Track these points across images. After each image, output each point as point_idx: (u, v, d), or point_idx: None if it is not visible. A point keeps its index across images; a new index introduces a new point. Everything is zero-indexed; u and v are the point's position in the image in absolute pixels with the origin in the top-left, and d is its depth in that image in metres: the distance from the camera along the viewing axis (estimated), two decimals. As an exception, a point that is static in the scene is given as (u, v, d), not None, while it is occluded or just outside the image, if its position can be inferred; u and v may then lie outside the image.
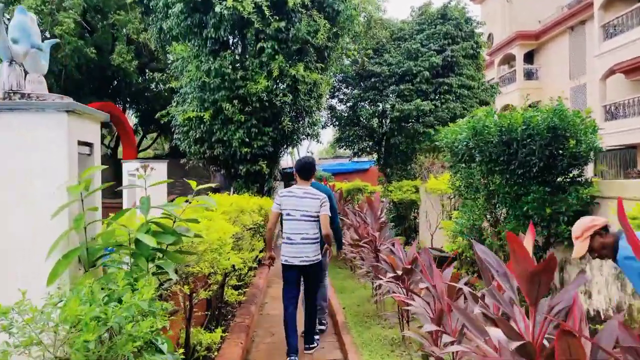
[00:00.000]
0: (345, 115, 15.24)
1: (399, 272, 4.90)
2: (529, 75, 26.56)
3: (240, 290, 5.54)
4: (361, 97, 14.35)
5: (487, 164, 5.48)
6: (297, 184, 5.09)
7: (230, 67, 8.42)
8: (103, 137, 20.67)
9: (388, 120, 14.63)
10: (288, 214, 4.90)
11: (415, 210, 13.68)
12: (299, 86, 8.81)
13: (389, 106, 13.92)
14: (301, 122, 9.65)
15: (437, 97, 13.85)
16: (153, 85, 16.22)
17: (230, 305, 5.65)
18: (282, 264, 4.95)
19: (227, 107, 8.63)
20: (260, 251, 6.88)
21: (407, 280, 4.86)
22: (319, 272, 5.22)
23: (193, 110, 8.87)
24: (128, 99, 19.47)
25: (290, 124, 9.15)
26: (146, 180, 2.98)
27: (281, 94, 8.72)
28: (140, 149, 24.79)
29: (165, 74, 9.19)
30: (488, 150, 5.33)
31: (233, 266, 4.65)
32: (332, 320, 7.10)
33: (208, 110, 8.74)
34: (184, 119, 8.96)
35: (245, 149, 8.93)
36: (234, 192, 9.67)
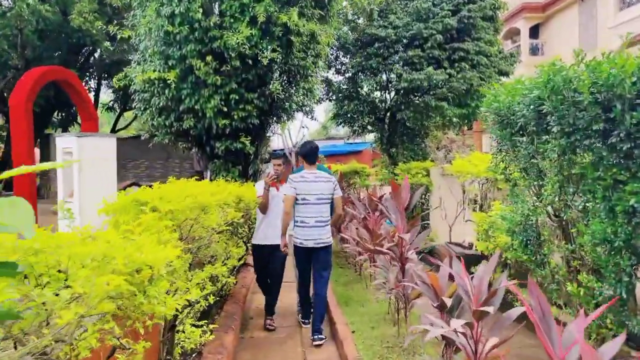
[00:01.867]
0: (344, 87, 13.12)
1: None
2: (534, 50, 24.53)
3: (206, 322, 3.57)
4: (362, 67, 12.19)
5: (568, 136, 3.47)
6: (306, 168, 5.24)
7: (200, 10, 6.23)
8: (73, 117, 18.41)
9: (393, 93, 12.54)
10: (303, 199, 5.05)
11: (425, 197, 11.71)
12: (292, 38, 6.65)
13: (394, 76, 11.82)
14: (294, 88, 7.52)
15: (451, 65, 11.76)
16: (131, 56, 13.96)
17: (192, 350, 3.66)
18: (296, 247, 5.18)
19: (198, 66, 6.48)
20: (240, 259, 4.91)
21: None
22: (330, 254, 5.30)
23: (154, 70, 6.71)
24: (102, 73, 17.21)
25: (281, 89, 7.02)
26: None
27: (269, 49, 6.57)
28: (116, 128, 22.55)
29: (119, 27, 6.95)
30: (573, 116, 3.33)
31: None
32: (337, 352, 5.10)
33: (174, 70, 6.58)
34: (143, 82, 6.80)
35: (224, 121, 6.81)
36: (211, 177, 7.56)
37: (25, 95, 8.04)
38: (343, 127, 13.29)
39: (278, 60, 6.84)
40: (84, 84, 15.76)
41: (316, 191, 5.03)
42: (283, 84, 7.09)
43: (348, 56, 12.75)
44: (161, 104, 6.92)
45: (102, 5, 12.07)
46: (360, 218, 7.93)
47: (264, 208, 5.61)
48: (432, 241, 10.22)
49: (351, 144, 44.58)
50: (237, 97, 6.81)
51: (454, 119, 12.93)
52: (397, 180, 11.43)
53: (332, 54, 13.26)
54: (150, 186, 3.31)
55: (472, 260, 6.85)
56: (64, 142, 5.65)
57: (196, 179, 4.33)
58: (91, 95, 17.45)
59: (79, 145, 5.37)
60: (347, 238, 7.70)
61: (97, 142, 5.53)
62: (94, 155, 5.50)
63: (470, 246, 8.22)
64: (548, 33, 24.36)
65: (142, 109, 7.18)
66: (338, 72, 13.62)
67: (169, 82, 6.53)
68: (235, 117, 6.89)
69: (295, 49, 6.83)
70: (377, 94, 13.53)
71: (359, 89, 13.04)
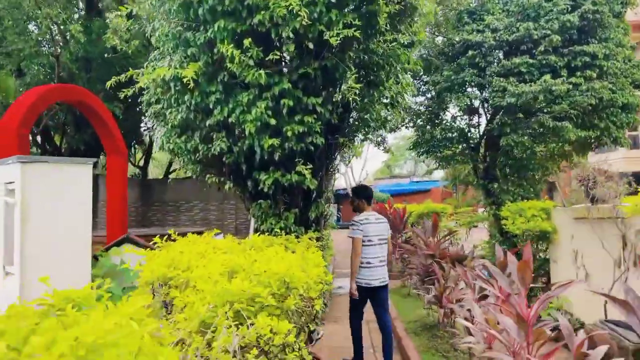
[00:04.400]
0: (426, 110, 10.48)
1: None
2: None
3: None
4: (451, 83, 9.52)
5: None
6: (365, 210, 5.04)
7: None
8: (129, 154, 16.77)
9: (489, 115, 9.72)
10: (370, 240, 5.01)
11: (542, 246, 8.63)
12: (376, 7, 4.11)
13: (492, 92, 9.04)
14: (376, 92, 4.86)
15: (570, 74, 8.85)
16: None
17: None
18: (361, 287, 5.14)
19: (231, 55, 4.06)
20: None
21: None
22: (388, 291, 5.47)
23: (169, 67, 4.36)
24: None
25: (358, 90, 4.43)
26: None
27: (340, 24, 4.05)
28: (170, 169, 20.84)
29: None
30: None
31: None
32: None
33: (195, 64, 4.20)
34: (153, 85, 4.47)
35: (271, 141, 4.31)
36: (256, 226, 5.04)
37: (18, 121, 5.94)
38: (427, 157, 10.56)
39: (354, 45, 4.31)
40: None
41: (379, 232, 5.12)
42: (360, 83, 4.50)
43: (431, 71, 10.11)
44: (179, 117, 4.53)
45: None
46: (475, 296, 5.13)
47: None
48: (560, 311, 7.11)
49: (418, 182, 41.51)
50: (291, 104, 4.30)
51: (568, 147, 9.87)
52: (506, 225, 8.43)
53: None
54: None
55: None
56: (5, 172, 3.30)
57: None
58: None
59: (25, 178, 3.01)
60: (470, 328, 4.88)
61: (56, 172, 3.12)
62: (51, 193, 3.14)
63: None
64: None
65: (152, 125, 4.84)
66: (417, 92, 11.00)
67: (187, 83, 4.13)
68: (289, 134, 4.35)
69: (380, 25, 4.26)
70: (464, 118, 10.74)
71: (446, 110, 10.31)
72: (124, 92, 4.72)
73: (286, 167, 4.69)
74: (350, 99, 4.45)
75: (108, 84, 4.54)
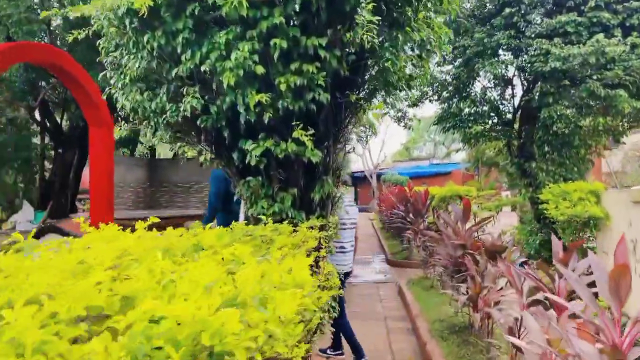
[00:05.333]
0: (453, 80, 9.16)
1: None
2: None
3: None
4: (483, 47, 8.19)
5: None
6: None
7: None
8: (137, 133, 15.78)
9: (530, 80, 8.36)
10: (343, 224, 4.88)
11: (588, 235, 7.37)
12: None
13: (535, 56, 7.69)
14: (400, 34, 3.60)
15: (625, 34, 7.46)
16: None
17: None
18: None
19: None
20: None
21: None
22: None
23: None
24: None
25: (376, 26, 3.21)
26: None
27: None
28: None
29: None
30: None
31: None
32: None
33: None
34: (104, 20, 3.34)
35: (258, 96, 3.18)
36: (246, 216, 3.91)
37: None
38: (453, 133, 9.28)
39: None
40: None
41: (351, 216, 5.01)
42: (377, 18, 3.27)
43: (461, 35, 8.77)
44: (139, 66, 3.39)
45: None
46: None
47: None
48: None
49: (438, 164, 39.96)
50: (284, 46, 3.12)
51: (619, 121, 8.50)
52: (547, 210, 7.17)
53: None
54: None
55: None
56: None
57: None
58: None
59: None
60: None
61: None
62: None
63: None
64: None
65: (113, 82, 3.71)
66: (442, 61, 9.69)
67: (143, 14, 2.99)
68: (282, 87, 3.20)
69: None
70: (496, 89, 9.40)
71: (476, 80, 8.99)
72: (72, 34, 3.59)
73: (281, 134, 3.54)
74: (366, 40, 3.24)
75: (42, 14, 3.42)
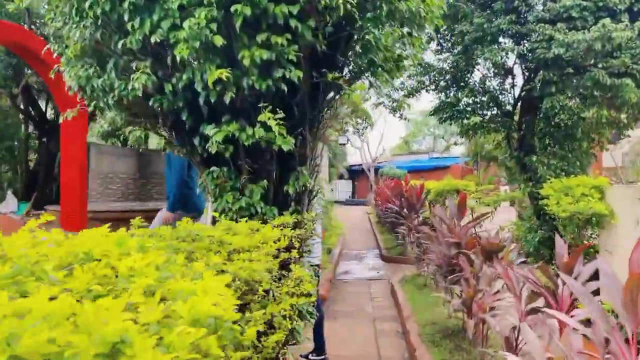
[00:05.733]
0: (450, 68, 8.68)
1: None
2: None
3: None
4: (482, 32, 7.70)
5: None
6: None
7: None
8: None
9: (531, 68, 7.86)
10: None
11: (590, 233, 6.95)
12: None
13: (537, 42, 7.20)
14: (381, 6, 3.14)
15: (632, 19, 6.98)
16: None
17: None
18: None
19: None
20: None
21: None
22: None
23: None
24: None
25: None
26: None
27: None
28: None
29: None
30: None
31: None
32: None
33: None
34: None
35: (218, 74, 2.71)
36: (217, 208, 3.45)
37: None
38: (450, 124, 8.81)
39: None
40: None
41: (319, 207, 4.76)
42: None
43: (459, 20, 8.25)
44: (82, 37, 2.92)
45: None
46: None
47: None
48: None
49: (437, 158, 39.47)
50: (248, 13, 2.66)
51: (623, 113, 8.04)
52: (547, 206, 6.72)
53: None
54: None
55: None
56: None
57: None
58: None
59: None
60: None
61: None
62: None
63: None
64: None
65: (54, 53, 3.23)
66: (440, 49, 9.20)
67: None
68: (246, 62, 2.73)
69: None
70: (496, 78, 8.93)
71: (474, 68, 8.51)
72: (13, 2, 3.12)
73: (248, 118, 3.07)
74: (342, 6, 2.76)
75: None
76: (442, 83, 8.81)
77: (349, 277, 9.76)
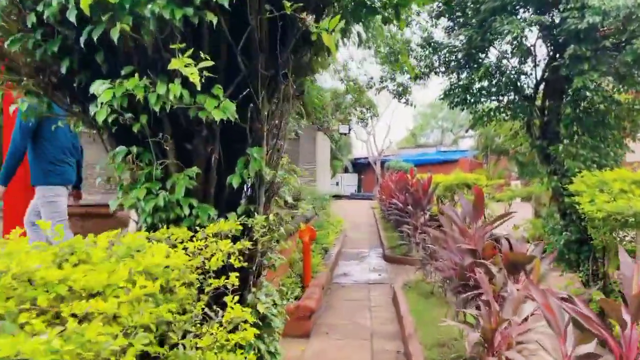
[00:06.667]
0: (463, 45, 7.52)
1: None
2: None
3: None
4: (501, 2, 6.54)
5: None
6: None
7: None
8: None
9: (560, 42, 6.68)
10: None
11: (624, 235, 5.82)
12: None
13: (567, 10, 6.04)
14: None
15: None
16: None
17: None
18: None
19: None
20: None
21: None
22: None
23: None
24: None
25: None
26: None
27: None
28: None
29: None
30: None
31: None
32: None
33: None
34: None
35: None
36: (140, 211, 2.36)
37: None
38: (462, 109, 7.66)
39: None
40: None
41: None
42: None
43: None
44: None
45: None
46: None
47: None
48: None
49: (445, 151, 38.10)
50: None
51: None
52: (578, 205, 5.58)
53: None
54: None
55: None
56: None
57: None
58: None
59: None
60: None
61: None
62: None
63: None
64: None
65: None
66: (451, 26, 8.03)
67: None
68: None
69: None
70: (514, 59, 7.74)
71: (491, 44, 7.34)
72: None
73: (161, 70, 1.99)
74: None
75: None
76: (453, 63, 7.65)
77: (347, 280, 8.69)
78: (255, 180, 2.40)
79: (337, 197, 27.76)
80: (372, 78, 11.76)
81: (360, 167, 35.99)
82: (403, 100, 9.08)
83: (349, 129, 16.89)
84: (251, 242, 2.17)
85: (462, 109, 7.58)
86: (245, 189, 2.53)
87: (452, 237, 4.67)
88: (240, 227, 2.16)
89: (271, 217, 2.44)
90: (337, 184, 32.95)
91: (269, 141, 2.46)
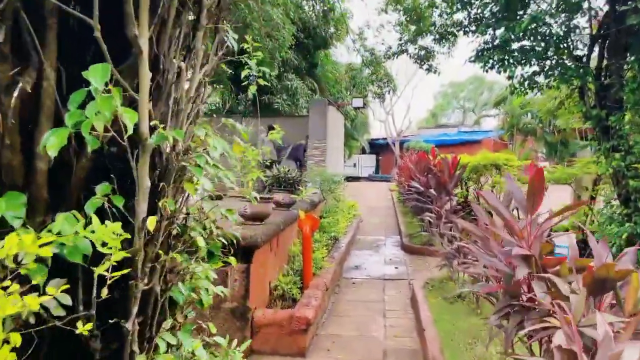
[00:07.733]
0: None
1: None
2: None
3: None
4: None
5: None
6: None
7: None
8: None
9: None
10: None
11: None
12: None
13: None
14: None
15: None
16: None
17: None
18: None
19: None
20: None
21: None
22: None
23: None
24: None
25: None
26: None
27: None
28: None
29: None
30: None
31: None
32: None
33: None
34: None
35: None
36: None
37: None
38: (499, 72, 6.25)
39: None
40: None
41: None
42: None
43: None
44: None
45: None
46: None
47: None
48: None
49: (467, 132, 36.24)
50: None
51: None
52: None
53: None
54: None
55: None
56: None
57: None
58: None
59: None
60: None
61: None
62: None
63: None
64: None
65: None
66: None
67: None
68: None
69: None
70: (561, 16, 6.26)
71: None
72: None
73: None
74: None
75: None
76: (488, 15, 6.22)
77: (359, 274, 7.46)
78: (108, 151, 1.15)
79: (355, 178, 26.46)
80: (390, 47, 10.35)
81: (378, 148, 34.49)
82: (425, 66, 7.70)
83: (364, 104, 15.48)
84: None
85: (499, 72, 6.17)
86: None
87: (494, 233, 3.37)
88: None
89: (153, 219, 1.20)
90: (355, 165, 31.59)
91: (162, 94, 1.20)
